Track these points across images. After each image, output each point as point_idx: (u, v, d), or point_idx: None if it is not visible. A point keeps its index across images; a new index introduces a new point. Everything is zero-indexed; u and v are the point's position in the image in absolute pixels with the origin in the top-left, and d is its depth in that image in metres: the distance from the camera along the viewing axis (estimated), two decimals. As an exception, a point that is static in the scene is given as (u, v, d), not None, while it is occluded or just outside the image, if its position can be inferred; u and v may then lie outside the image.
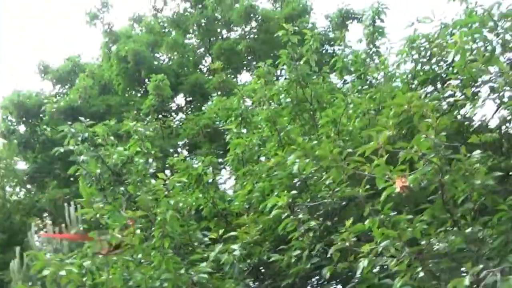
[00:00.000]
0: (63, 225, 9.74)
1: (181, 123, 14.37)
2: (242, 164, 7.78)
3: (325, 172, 5.45)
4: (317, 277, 6.52)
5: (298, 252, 5.67)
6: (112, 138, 7.35)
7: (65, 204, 10.18)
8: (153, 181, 7.19)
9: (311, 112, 7.31)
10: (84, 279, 5.40)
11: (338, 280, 5.80)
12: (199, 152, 12.60)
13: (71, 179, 16.80)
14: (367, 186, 4.85)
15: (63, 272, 5.31)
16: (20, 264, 9.35)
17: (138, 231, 5.67)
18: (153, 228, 5.81)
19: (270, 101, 7.72)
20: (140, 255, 5.83)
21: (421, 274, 4.42)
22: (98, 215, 5.72)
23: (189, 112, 16.28)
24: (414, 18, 7.16)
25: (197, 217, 7.36)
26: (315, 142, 6.22)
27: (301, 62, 7.31)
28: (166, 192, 6.77)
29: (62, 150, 6.76)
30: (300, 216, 5.43)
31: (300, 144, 5.40)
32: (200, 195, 7.28)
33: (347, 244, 4.92)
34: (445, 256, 4.62)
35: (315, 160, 5.42)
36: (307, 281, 6.34)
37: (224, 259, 5.68)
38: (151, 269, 5.51)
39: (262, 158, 7.68)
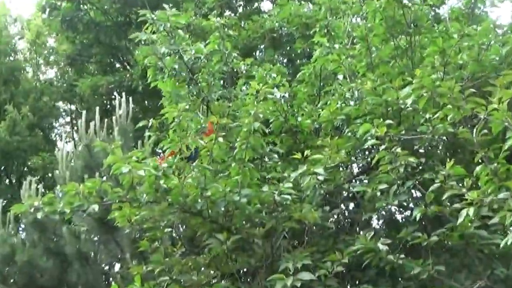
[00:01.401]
0: (113, 117, 8.98)
1: (242, 24, 13.47)
2: (319, 80, 7.36)
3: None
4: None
5: (384, 186, 5.34)
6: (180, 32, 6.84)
7: (116, 94, 9.57)
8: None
9: (409, 37, 6.77)
10: (161, 181, 5.10)
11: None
12: (260, 57, 11.99)
13: (108, 68, 16.06)
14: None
15: (141, 172, 5.01)
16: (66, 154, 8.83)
17: (221, 139, 5.32)
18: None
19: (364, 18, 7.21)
20: (218, 165, 5.54)
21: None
22: (181, 117, 5.34)
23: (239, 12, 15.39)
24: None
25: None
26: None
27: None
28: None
29: (144, 37, 6.27)
30: (398, 150, 5.02)
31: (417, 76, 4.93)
32: (271, 107, 6.84)
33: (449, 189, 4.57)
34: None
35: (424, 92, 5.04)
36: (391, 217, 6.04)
37: (306, 182, 5.33)
38: (231, 182, 5.20)
39: (340, 76, 7.21)
